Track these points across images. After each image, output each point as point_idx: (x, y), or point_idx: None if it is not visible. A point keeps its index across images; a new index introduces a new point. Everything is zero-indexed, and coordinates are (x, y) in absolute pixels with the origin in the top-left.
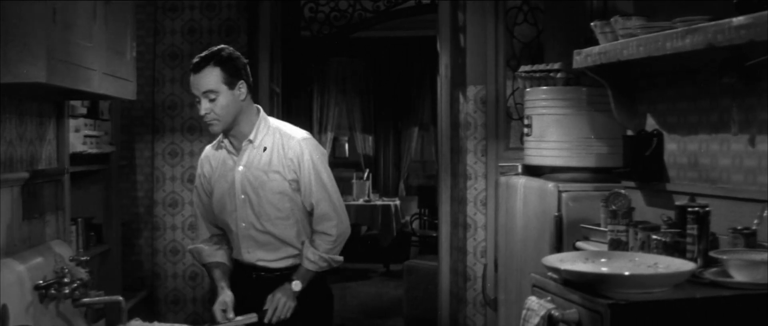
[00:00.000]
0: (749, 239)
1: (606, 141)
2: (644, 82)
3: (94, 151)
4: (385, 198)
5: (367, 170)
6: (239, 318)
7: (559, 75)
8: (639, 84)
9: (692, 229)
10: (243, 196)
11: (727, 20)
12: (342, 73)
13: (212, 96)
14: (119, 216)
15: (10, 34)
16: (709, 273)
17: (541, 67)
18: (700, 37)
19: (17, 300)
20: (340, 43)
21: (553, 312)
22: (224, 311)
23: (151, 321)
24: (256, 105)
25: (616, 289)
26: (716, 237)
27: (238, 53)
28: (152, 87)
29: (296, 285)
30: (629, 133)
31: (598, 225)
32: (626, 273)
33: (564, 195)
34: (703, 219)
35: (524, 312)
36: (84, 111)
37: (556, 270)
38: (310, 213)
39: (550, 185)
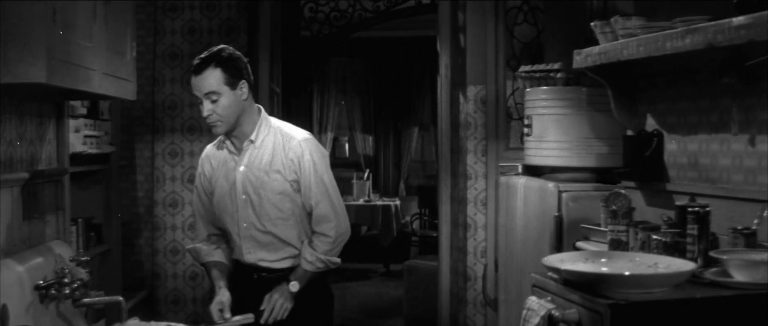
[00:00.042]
0: (749, 239)
1: (606, 141)
2: (644, 82)
3: (94, 151)
4: (385, 199)
5: (367, 170)
6: (236, 318)
7: (559, 75)
8: (639, 84)
9: (692, 229)
10: (244, 196)
11: (727, 20)
12: (342, 73)
13: (214, 97)
14: (119, 217)
15: (10, 34)
16: (709, 273)
17: (541, 67)
18: (700, 37)
19: (17, 300)
20: (340, 43)
21: (553, 312)
22: (221, 311)
23: (149, 320)
24: (257, 105)
25: (616, 289)
26: (716, 237)
27: (238, 53)
28: (152, 87)
29: (294, 286)
30: (629, 133)
31: (598, 225)
32: (626, 273)
33: (564, 195)
34: (703, 219)
35: (524, 312)
36: (84, 111)
37: (556, 270)
38: (310, 214)
39: (551, 185)
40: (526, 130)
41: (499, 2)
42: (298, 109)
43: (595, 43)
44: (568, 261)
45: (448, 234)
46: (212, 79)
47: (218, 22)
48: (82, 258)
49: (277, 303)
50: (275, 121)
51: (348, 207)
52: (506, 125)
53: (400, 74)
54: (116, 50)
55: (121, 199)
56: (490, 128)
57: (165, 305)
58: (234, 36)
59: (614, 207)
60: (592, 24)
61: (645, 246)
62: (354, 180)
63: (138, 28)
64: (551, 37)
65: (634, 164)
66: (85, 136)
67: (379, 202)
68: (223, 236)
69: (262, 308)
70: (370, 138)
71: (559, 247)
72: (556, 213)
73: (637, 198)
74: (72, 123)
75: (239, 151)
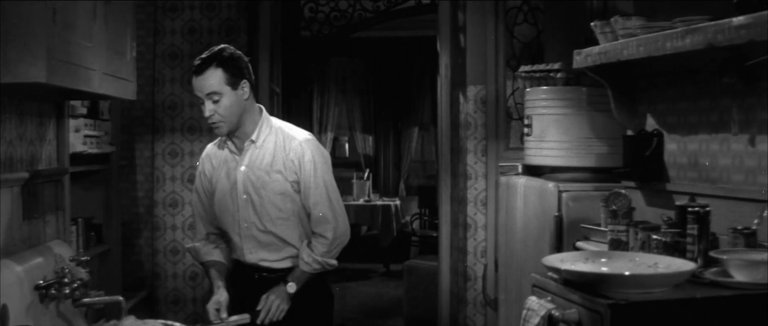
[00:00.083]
0: (749, 239)
1: (606, 141)
2: (644, 82)
3: (94, 151)
4: (385, 198)
5: (367, 170)
6: (232, 318)
7: (559, 75)
8: (639, 84)
9: (692, 229)
10: (245, 196)
11: (727, 20)
12: (342, 73)
13: (216, 97)
14: (119, 216)
15: (10, 34)
16: (710, 273)
17: (541, 67)
18: (700, 37)
19: (17, 300)
20: (340, 43)
21: (553, 312)
22: (217, 310)
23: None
24: (258, 105)
25: (616, 289)
26: (716, 237)
27: (239, 52)
28: (152, 87)
29: (291, 287)
30: (629, 133)
31: (598, 225)
32: (626, 273)
33: (564, 195)
34: (703, 219)
35: (524, 312)
36: (84, 111)
37: (556, 270)
38: (309, 215)
39: (551, 185)
40: (526, 130)
41: (499, 2)
42: (298, 109)
43: (595, 43)
44: (568, 261)
45: (448, 234)
46: (213, 79)
47: (218, 22)
48: (82, 258)
49: (273, 303)
50: (276, 122)
51: (348, 208)
52: (506, 125)
53: (400, 74)
54: (116, 50)
55: (121, 199)
56: (490, 128)
57: (165, 305)
58: (234, 36)
59: (614, 207)
60: (592, 24)
61: (645, 246)
62: (354, 180)
63: (138, 28)
64: (551, 37)
65: (634, 164)
66: (85, 136)
67: (379, 202)
68: (222, 235)
69: (258, 308)
70: (370, 138)
71: (559, 247)
72: (556, 213)
73: (637, 198)
74: (72, 123)
75: (240, 150)
